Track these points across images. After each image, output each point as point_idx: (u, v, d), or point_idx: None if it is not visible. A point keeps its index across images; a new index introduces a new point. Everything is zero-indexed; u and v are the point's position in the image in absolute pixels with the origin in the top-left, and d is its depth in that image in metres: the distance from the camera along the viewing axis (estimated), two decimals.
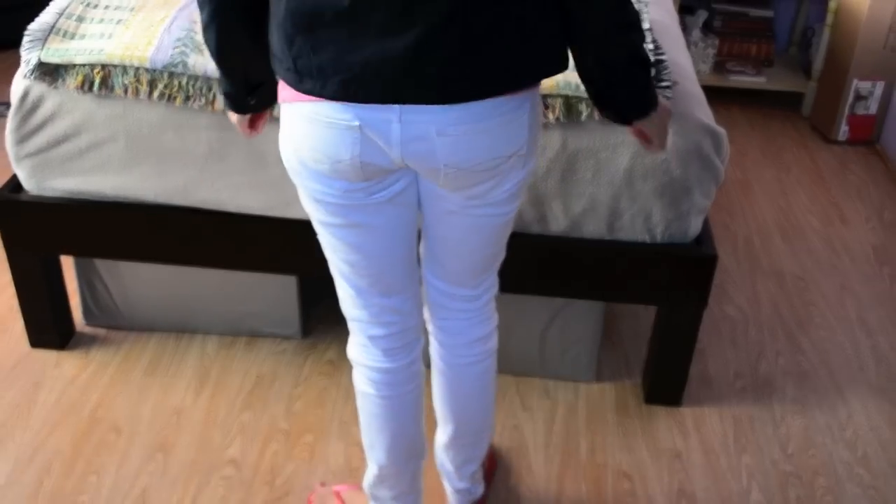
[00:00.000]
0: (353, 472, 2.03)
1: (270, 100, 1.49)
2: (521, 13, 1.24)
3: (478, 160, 1.31)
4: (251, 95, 1.48)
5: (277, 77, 1.34)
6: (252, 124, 1.56)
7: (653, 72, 1.42)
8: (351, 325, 1.62)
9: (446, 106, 1.25)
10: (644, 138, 1.48)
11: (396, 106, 1.25)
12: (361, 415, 1.70)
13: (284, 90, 1.33)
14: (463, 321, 1.63)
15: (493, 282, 1.63)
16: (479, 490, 1.89)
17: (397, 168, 1.35)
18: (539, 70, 1.31)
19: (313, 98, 1.28)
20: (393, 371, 1.62)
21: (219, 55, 1.40)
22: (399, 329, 1.59)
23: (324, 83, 1.25)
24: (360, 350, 1.63)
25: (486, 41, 1.23)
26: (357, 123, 1.27)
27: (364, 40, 1.22)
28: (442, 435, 1.79)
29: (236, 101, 1.49)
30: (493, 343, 1.69)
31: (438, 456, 1.84)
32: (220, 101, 1.94)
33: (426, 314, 1.67)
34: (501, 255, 1.58)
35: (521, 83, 1.29)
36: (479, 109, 1.27)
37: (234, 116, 1.54)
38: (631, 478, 2.07)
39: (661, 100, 1.43)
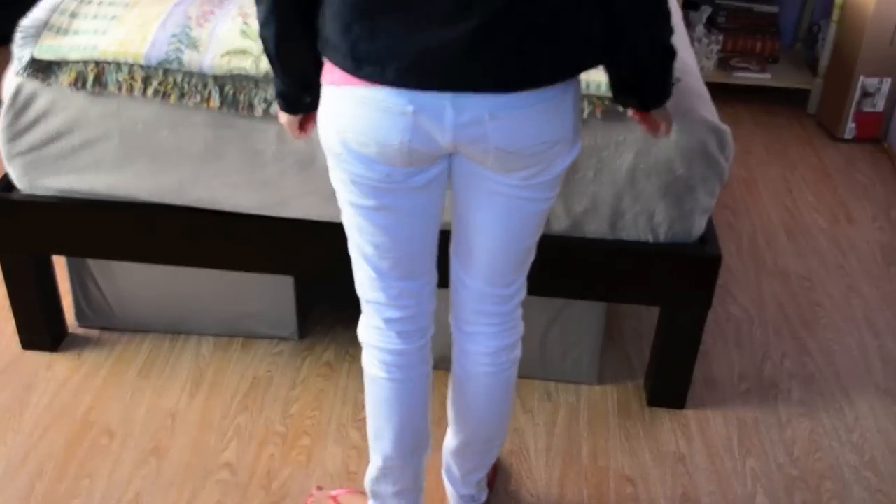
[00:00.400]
0: (351, 476, 2.00)
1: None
2: (573, 5, 1.29)
3: (527, 143, 1.35)
4: (306, 93, 1.46)
5: (330, 63, 1.35)
6: (303, 125, 1.56)
7: None
8: (367, 308, 1.62)
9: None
10: (654, 126, 1.54)
11: (450, 92, 1.29)
12: (369, 402, 1.69)
13: (333, 72, 1.34)
14: (492, 327, 1.62)
15: (523, 283, 1.62)
16: (483, 496, 1.87)
17: (443, 154, 1.39)
18: (587, 60, 1.36)
19: (367, 82, 1.30)
20: (406, 353, 1.62)
21: (277, 51, 1.40)
22: (415, 312, 1.59)
23: (382, 69, 1.28)
24: (374, 332, 1.62)
25: (540, 31, 1.28)
26: (411, 109, 1.31)
27: (422, 28, 1.26)
28: (453, 440, 1.78)
29: (292, 101, 1.49)
30: (517, 353, 1.68)
31: (446, 460, 1.83)
32: (215, 99, 1.92)
33: (452, 322, 1.66)
34: (533, 254, 1.59)
35: (571, 73, 1.35)
36: (529, 94, 1.31)
37: (284, 117, 1.54)
38: (633, 482, 2.04)
39: None
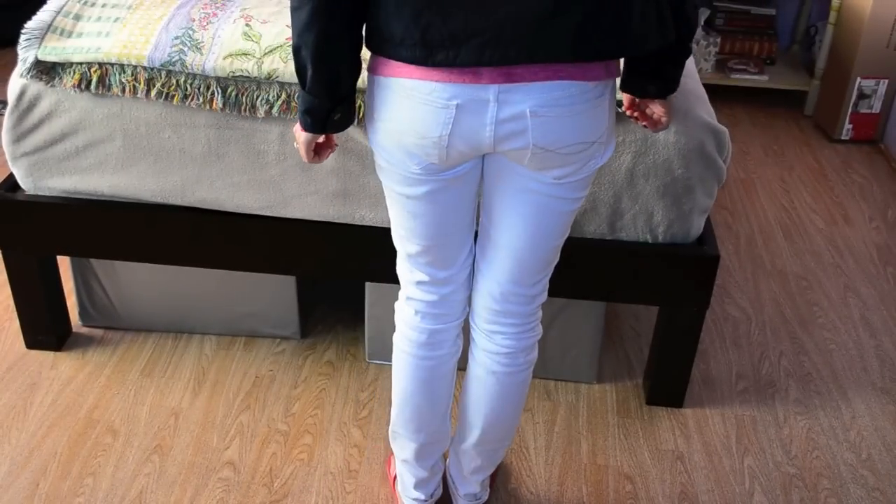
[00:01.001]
0: (352, 474, 2.02)
1: (350, 119, 1.46)
2: None
3: (565, 142, 1.37)
4: (338, 108, 1.42)
5: (386, 58, 1.36)
6: (319, 150, 1.51)
7: None
8: (404, 288, 1.67)
9: (543, 85, 1.31)
10: (654, 120, 1.55)
11: (494, 86, 1.31)
12: (397, 385, 1.72)
13: (385, 64, 1.36)
14: (512, 328, 1.64)
15: (545, 285, 1.64)
16: (485, 496, 1.89)
17: (479, 154, 1.41)
18: (652, 40, 1.36)
19: (412, 74, 1.33)
20: (438, 332, 1.66)
21: (316, 57, 1.35)
22: (443, 297, 1.63)
23: (457, 52, 1.28)
24: (409, 312, 1.66)
25: (617, 5, 1.29)
26: (455, 102, 1.33)
27: (495, 4, 1.26)
28: (462, 439, 1.79)
29: (321, 118, 1.42)
30: (534, 356, 1.70)
31: (452, 458, 1.85)
32: (218, 100, 1.93)
33: (472, 320, 1.68)
34: (557, 256, 1.61)
35: (642, 49, 1.35)
36: (572, 91, 1.33)
37: (302, 137, 1.47)
38: (632, 480, 2.05)
39: None
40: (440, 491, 1.88)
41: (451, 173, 1.44)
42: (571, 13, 1.27)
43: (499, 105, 1.33)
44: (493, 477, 2.00)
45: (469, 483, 1.83)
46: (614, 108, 1.46)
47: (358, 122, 1.92)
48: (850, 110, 3.58)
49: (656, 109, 1.53)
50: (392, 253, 2.05)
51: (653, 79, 1.49)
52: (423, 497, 1.84)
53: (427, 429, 1.74)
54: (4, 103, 2.05)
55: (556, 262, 1.62)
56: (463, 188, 1.48)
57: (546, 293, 1.66)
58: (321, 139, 1.49)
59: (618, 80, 1.46)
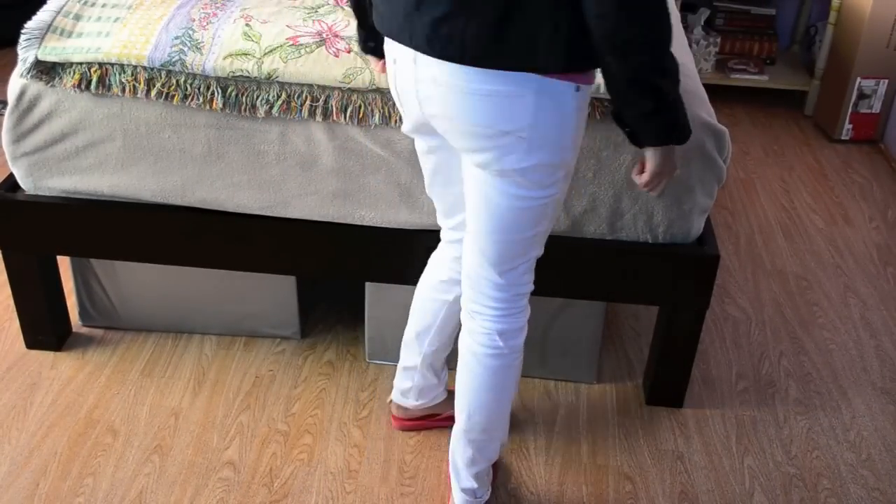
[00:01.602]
0: (352, 474, 2.02)
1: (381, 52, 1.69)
2: (536, 4, 1.33)
3: (469, 121, 1.45)
4: (369, 38, 1.71)
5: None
6: (383, 69, 1.75)
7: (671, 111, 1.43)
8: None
9: (440, 61, 1.42)
10: (640, 167, 1.53)
11: (413, 50, 1.46)
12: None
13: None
14: (490, 310, 1.68)
15: (522, 278, 1.67)
16: (485, 495, 1.89)
17: (424, 117, 1.55)
18: (534, 59, 1.37)
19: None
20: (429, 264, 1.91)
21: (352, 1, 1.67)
22: (442, 242, 1.86)
23: (389, 24, 1.50)
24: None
25: (489, 13, 1.34)
26: (393, 57, 1.54)
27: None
28: (455, 425, 1.82)
29: (360, 43, 1.75)
30: (518, 342, 1.72)
31: (450, 451, 1.87)
32: (218, 100, 1.93)
33: (462, 304, 1.74)
34: (527, 252, 1.62)
35: (507, 66, 1.38)
36: (469, 73, 1.40)
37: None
38: (632, 480, 2.05)
39: (672, 151, 1.49)
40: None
41: (430, 138, 1.64)
42: (433, 9, 1.38)
43: (417, 67, 1.46)
44: (494, 476, 2.01)
45: (466, 477, 1.84)
46: (562, 117, 1.43)
47: (358, 122, 1.92)
48: (850, 110, 3.58)
49: (646, 157, 1.50)
50: (392, 253, 2.06)
51: (616, 119, 1.45)
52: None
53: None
54: (4, 103, 2.05)
55: (529, 258, 1.64)
56: (441, 159, 1.68)
57: (527, 285, 1.68)
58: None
59: (583, 88, 1.44)
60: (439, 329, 1.94)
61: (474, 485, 1.85)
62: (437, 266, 1.91)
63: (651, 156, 1.49)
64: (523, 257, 1.63)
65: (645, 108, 1.39)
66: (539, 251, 1.66)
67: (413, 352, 2.00)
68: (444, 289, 1.89)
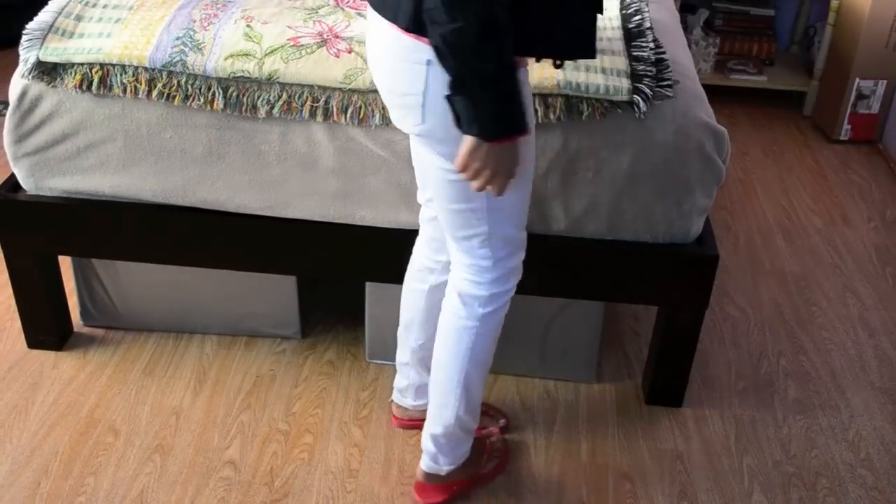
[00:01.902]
0: (353, 474, 2.02)
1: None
2: None
3: (378, 76, 1.58)
4: None
5: None
6: None
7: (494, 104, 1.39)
8: None
9: (376, 16, 1.52)
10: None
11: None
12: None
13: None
14: (457, 264, 1.74)
15: (475, 253, 1.68)
16: (441, 470, 1.90)
17: None
18: (399, 16, 1.45)
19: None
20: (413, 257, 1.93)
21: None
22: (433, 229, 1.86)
23: None
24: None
25: None
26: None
27: None
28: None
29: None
30: (475, 310, 1.73)
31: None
32: (219, 101, 1.94)
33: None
34: (471, 228, 1.64)
35: (387, 15, 1.48)
36: (385, 32, 1.49)
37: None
38: (632, 479, 2.06)
39: (504, 149, 1.42)
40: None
41: None
42: None
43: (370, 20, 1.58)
44: (493, 475, 2.01)
45: (424, 434, 1.88)
46: (430, 84, 1.45)
47: (359, 123, 1.93)
48: (848, 111, 3.58)
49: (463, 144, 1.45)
50: (392, 253, 2.06)
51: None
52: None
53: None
54: (6, 104, 2.06)
55: (479, 233, 1.64)
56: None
57: (487, 260, 1.68)
58: None
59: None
60: (422, 323, 1.95)
61: (431, 447, 1.88)
62: (416, 254, 1.94)
63: (467, 144, 1.42)
64: (472, 230, 1.64)
65: (450, 86, 1.37)
66: (493, 230, 1.62)
67: (404, 347, 2.03)
68: (421, 277, 1.91)
